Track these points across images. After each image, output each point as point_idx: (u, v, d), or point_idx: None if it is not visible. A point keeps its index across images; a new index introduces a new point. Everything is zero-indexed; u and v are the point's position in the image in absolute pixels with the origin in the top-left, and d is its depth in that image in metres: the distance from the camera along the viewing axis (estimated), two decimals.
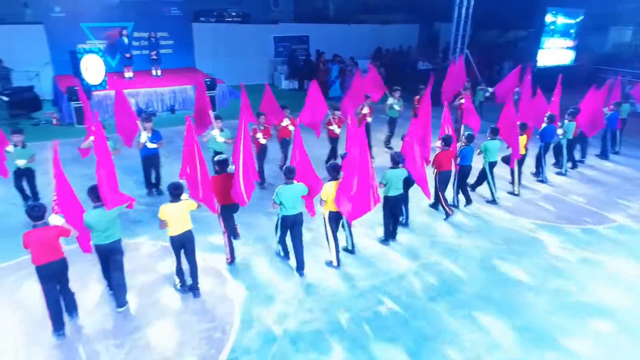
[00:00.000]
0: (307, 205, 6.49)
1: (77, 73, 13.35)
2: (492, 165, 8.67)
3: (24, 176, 7.72)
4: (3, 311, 5.57)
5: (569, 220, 8.26)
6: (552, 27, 18.97)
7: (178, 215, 5.56)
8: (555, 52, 19.00)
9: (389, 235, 7.30)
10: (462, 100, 11.29)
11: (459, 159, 8.16)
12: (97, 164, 5.28)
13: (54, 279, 5.08)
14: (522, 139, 8.82)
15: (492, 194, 8.80)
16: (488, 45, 22.07)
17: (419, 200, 8.65)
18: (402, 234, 7.55)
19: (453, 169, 8.17)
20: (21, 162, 7.53)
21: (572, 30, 19.18)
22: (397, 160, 6.89)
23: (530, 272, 6.65)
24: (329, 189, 6.26)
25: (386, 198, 7.01)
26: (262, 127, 8.82)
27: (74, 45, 14.68)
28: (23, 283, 6.01)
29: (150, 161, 8.44)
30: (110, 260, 5.49)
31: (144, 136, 8.12)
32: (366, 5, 31.87)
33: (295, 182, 6.12)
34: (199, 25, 17.87)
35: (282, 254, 6.75)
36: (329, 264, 6.63)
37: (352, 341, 5.25)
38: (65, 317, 5.29)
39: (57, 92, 14.64)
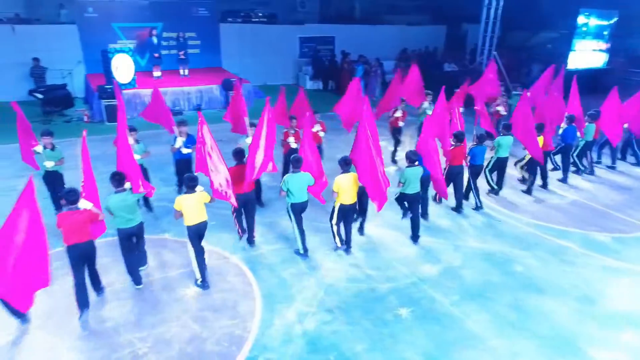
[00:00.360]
0: (314, 194, 6.75)
1: (108, 72, 13.70)
2: (502, 160, 8.73)
3: (52, 178, 7.38)
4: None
5: (597, 226, 8.03)
6: (584, 28, 18.48)
7: (193, 205, 5.76)
8: (587, 55, 18.49)
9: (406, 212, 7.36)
10: (500, 108, 10.66)
11: (469, 158, 8.20)
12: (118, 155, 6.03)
13: (82, 260, 5.41)
14: (540, 140, 8.70)
15: (490, 184, 9.00)
16: (517, 47, 21.67)
17: (442, 203, 8.60)
18: (425, 237, 7.49)
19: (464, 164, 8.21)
20: (49, 164, 7.22)
21: (605, 32, 18.62)
22: (412, 159, 6.95)
23: (555, 280, 6.50)
24: (341, 181, 6.48)
25: (404, 195, 7.13)
26: (292, 131, 8.68)
27: (106, 45, 15.10)
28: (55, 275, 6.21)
29: (184, 165, 8.07)
30: (132, 242, 5.96)
31: (179, 141, 7.91)
32: (393, 6, 31.68)
33: (301, 171, 6.45)
34: (225, 25, 18.10)
35: (301, 251, 6.81)
36: (335, 248, 6.99)
37: (372, 343, 5.23)
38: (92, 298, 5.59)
39: (89, 90, 15.07)
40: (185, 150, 7.97)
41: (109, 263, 6.45)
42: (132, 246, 5.98)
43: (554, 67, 12.30)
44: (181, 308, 5.71)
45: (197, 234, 5.88)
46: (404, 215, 7.38)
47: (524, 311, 5.85)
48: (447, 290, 6.20)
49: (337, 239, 6.92)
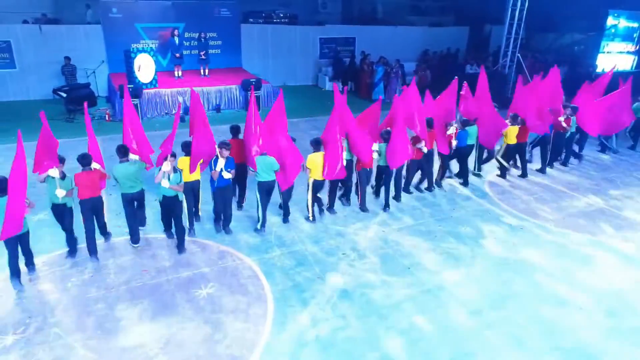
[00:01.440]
0: (279, 179, 7.33)
1: (130, 71, 13.87)
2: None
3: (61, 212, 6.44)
4: (53, 296, 5.80)
5: (626, 238, 7.72)
6: (613, 30, 17.97)
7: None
8: (615, 57, 17.96)
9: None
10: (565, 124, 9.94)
11: (456, 142, 8.93)
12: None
13: (93, 211, 6.42)
14: (514, 130, 9.37)
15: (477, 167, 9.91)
16: (544, 48, 21.18)
17: (464, 207, 8.40)
18: (445, 242, 7.33)
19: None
20: (61, 194, 6.19)
21: (635, 35, 18.07)
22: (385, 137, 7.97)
23: (582, 293, 6.24)
24: (313, 159, 7.41)
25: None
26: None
27: (129, 45, 15.32)
28: (68, 272, 6.28)
29: (224, 193, 7.14)
30: (134, 206, 6.76)
31: (221, 163, 6.83)
32: (416, 7, 31.43)
33: (267, 155, 7.15)
34: (246, 26, 18.14)
35: (259, 227, 7.44)
36: (307, 219, 7.82)
37: (385, 352, 5.11)
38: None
39: (111, 89, 15.27)
40: (226, 175, 6.90)
41: (126, 262, 6.50)
42: (134, 210, 6.79)
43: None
44: (194, 309, 5.68)
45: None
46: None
47: (547, 323, 5.63)
48: (465, 299, 6.02)
49: (310, 212, 7.75)
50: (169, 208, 6.72)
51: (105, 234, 6.97)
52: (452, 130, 8.82)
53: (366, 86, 17.49)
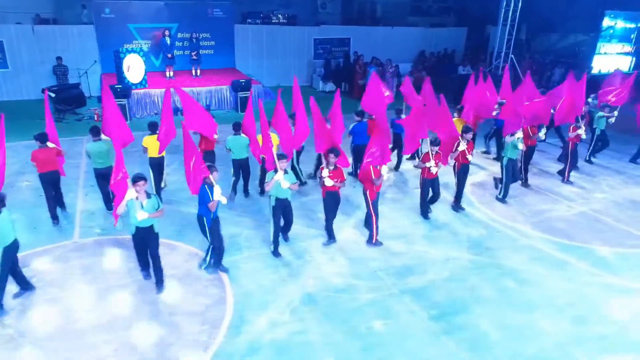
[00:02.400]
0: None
1: (120, 72, 13.91)
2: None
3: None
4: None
5: (604, 241, 7.57)
6: (612, 31, 17.73)
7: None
8: (612, 58, 17.72)
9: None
10: (581, 132, 9.44)
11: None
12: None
13: (51, 184, 7.35)
14: (459, 122, 9.26)
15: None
16: (543, 50, 20.96)
17: (438, 213, 8.28)
18: (417, 246, 7.23)
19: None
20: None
21: (632, 36, 17.81)
22: None
23: (550, 297, 6.12)
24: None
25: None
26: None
27: (121, 45, 15.39)
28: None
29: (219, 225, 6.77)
30: (104, 180, 7.44)
31: (217, 191, 6.07)
32: (417, 8, 31.26)
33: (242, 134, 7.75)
34: (240, 26, 18.10)
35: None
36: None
37: (339, 357, 5.02)
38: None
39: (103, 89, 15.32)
40: (224, 201, 6.14)
41: (93, 261, 6.48)
42: (105, 183, 7.42)
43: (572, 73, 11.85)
44: (153, 311, 5.63)
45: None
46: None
47: (512, 329, 5.52)
48: (429, 304, 5.92)
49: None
50: (144, 242, 5.80)
51: (62, 205, 7.82)
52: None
53: (359, 87, 17.37)
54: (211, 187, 5.85)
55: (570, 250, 7.28)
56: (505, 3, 15.42)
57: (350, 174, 9.30)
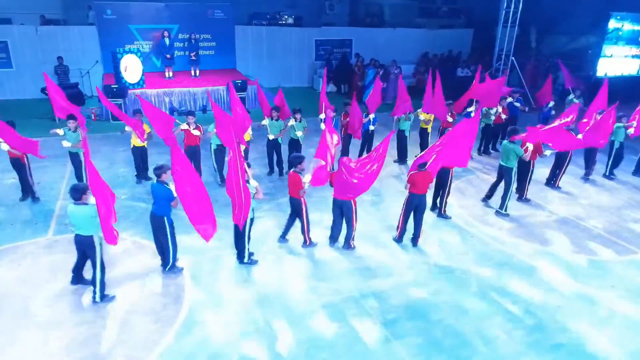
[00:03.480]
0: None
1: (117, 72, 14.14)
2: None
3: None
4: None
5: (580, 248, 7.40)
6: (620, 33, 17.29)
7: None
8: (619, 61, 17.29)
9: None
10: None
11: None
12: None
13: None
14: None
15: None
16: (555, 52, 20.54)
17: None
18: (386, 248, 7.17)
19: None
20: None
21: None
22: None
23: (513, 304, 6.01)
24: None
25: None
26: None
27: (123, 46, 15.61)
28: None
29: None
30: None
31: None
32: (424, 9, 31.03)
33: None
34: (241, 27, 18.20)
35: None
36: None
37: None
38: None
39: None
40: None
41: (59, 259, 6.59)
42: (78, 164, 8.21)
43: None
44: (110, 309, 5.70)
45: None
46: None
47: (466, 335, 5.43)
48: (387, 308, 5.86)
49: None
50: (83, 250, 5.73)
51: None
52: None
53: (358, 89, 17.30)
54: (168, 185, 5.95)
55: (543, 256, 7.13)
56: (505, 4, 15.17)
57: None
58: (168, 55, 15.74)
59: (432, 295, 6.15)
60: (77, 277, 6.02)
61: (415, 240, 7.35)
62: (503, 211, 8.40)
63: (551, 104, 11.81)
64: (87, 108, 14.63)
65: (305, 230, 7.08)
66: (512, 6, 14.99)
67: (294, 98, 10.81)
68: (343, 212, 6.95)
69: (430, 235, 7.65)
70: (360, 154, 10.39)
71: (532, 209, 8.72)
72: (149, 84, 14.92)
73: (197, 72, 16.30)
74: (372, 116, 10.20)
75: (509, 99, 11.50)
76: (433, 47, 21.26)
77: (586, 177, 10.10)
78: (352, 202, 6.88)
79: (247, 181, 5.97)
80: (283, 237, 7.29)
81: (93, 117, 13.92)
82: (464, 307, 5.94)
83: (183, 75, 16.27)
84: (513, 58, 15.65)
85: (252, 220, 6.38)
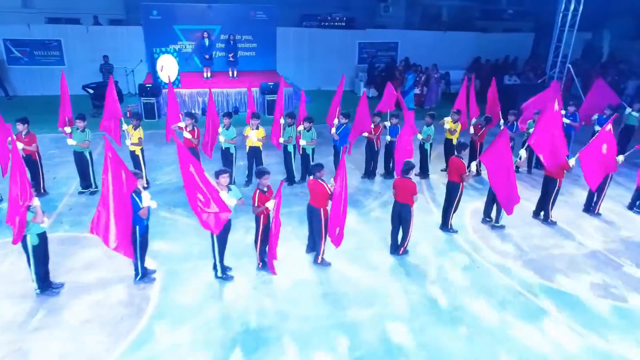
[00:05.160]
0: None
1: (154, 72, 14.43)
2: None
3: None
4: None
5: (605, 291, 6.34)
6: None
7: None
8: None
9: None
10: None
11: None
12: None
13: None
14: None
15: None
16: (632, 59, 18.52)
17: (422, 234, 7.42)
18: (376, 272, 6.54)
19: None
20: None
21: None
22: None
23: (507, 355, 5.19)
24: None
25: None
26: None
27: (167, 45, 15.96)
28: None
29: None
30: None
31: (146, 196, 6.02)
32: (488, 12, 29.44)
33: None
34: (282, 29, 18.00)
35: None
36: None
37: None
38: None
39: None
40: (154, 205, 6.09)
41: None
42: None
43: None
44: (68, 317, 5.56)
45: None
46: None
47: None
48: (355, 344, 5.27)
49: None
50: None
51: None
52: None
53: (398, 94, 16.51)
54: (139, 194, 5.67)
55: (558, 297, 6.17)
56: (563, 6, 13.77)
57: None
58: (207, 56, 15.88)
59: (413, 334, 5.46)
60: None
61: (396, 249, 6.96)
62: (498, 224, 7.84)
63: (595, 116, 10.46)
64: (128, 105, 15.10)
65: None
66: (572, 8, 13.54)
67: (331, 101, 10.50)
68: (313, 222, 6.54)
69: (432, 259, 6.91)
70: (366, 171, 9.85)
71: (559, 239, 7.67)
72: (186, 83, 15.10)
73: (235, 73, 16.31)
74: (387, 124, 9.48)
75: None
76: (487, 52, 19.88)
77: (633, 205, 8.79)
78: (321, 211, 6.37)
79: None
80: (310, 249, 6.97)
81: (128, 114, 14.26)
82: (447, 353, 5.20)
83: (221, 76, 16.35)
84: (569, 65, 14.16)
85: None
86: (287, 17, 20.94)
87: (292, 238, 7.34)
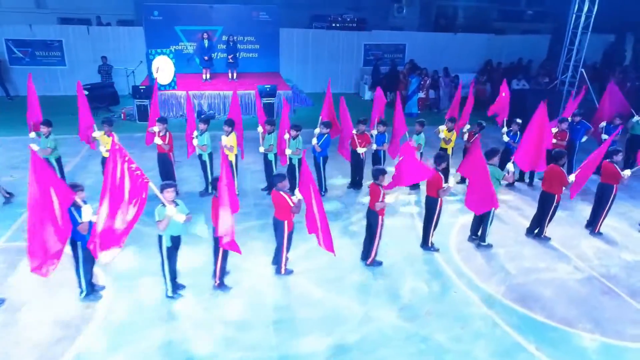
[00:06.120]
0: None
1: (149, 72, 14.19)
2: None
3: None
4: None
5: (596, 324, 5.65)
6: None
7: None
8: None
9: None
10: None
11: None
12: None
13: None
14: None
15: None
16: None
17: (399, 252, 6.86)
18: (341, 295, 6.01)
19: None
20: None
21: None
22: None
23: None
24: None
25: None
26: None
27: (168, 46, 15.70)
28: None
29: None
30: None
31: (87, 211, 5.48)
32: (506, 13, 28.53)
33: None
34: (286, 30, 17.57)
35: None
36: None
37: None
38: None
39: None
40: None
41: None
42: None
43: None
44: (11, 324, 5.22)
45: None
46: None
47: None
48: None
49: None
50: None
51: None
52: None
53: (402, 98, 15.86)
54: (78, 208, 5.28)
55: (539, 331, 5.52)
56: (577, 7, 12.92)
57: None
58: (206, 57, 15.57)
59: None
60: None
61: (366, 257, 6.67)
62: (484, 243, 7.19)
63: (603, 124, 9.68)
64: (124, 107, 14.91)
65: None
66: (585, 9, 12.68)
67: (336, 104, 10.01)
68: (276, 234, 6.19)
69: (406, 281, 6.35)
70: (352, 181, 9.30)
71: (552, 261, 6.98)
72: (183, 85, 14.82)
73: (235, 75, 15.95)
74: (374, 132, 8.92)
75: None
76: (501, 54, 19.07)
77: None
78: (284, 224, 5.99)
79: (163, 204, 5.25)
80: None
81: (123, 117, 14.07)
82: None
83: (221, 78, 16.03)
84: (582, 70, 13.28)
85: (168, 248, 5.59)
86: (297, 18, 20.54)
87: (260, 253, 6.87)
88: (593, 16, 12.65)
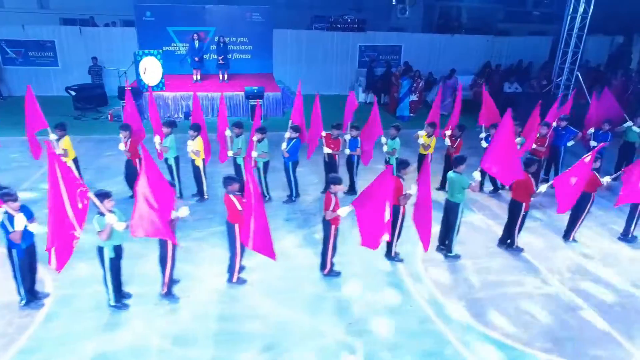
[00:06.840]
0: None
1: (137, 74, 14.12)
2: None
3: None
4: None
5: (555, 344, 5.33)
6: None
7: None
8: None
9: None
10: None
11: None
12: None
13: None
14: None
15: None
16: None
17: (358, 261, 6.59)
18: (292, 308, 5.78)
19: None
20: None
21: None
22: None
23: None
24: None
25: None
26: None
27: (161, 47, 15.64)
28: None
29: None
30: None
31: (20, 220, 5.33)
32: (512, 14, 28.07)
33: None
34: (279, 31, 17.38)
35: None
36: None
37: None
38: None
39: None
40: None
41: None
42: None
43: None
44: None
45: None
46: None
47: None
48: None
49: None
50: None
51: None
52: None
53: (394, 100, 15.59)
54: (11, 217, 5.13)
55: (494, 350, 5.22)
56: (571, 8, 12.49)
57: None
58: (196, 58, 15.46)
59: None
60: None
61: (322, 268, 6.51)
62: (451, 254, 6.94)
63: (591, 130, 9.29)
64: (113, 108, 14.86)
65: None
66: (581, 10, 12.24)
67: (331, 107, 9.88)
68: (228, 238, 6.04)
69: (363, 294, 6.09)
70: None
71: (521, 274, 6.65)
72: (172, 86, 14.74)
73: (226, 76, 15.82)
74: (347, 137, 8.66)
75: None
76: (498, 56, 18.66)
77: (623, 236, 7.64)
78: (235, 227, 5.82)
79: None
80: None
81: (109, 118, 14.02)
82: None
83: (212, 79, 15.91)
84: (578, 73, 12.84)
85: (112, 259, 5.42)
86: (298, 19, 20.39)
87: (217, 262, 6.66)
88: (589, 18, 12.22)
